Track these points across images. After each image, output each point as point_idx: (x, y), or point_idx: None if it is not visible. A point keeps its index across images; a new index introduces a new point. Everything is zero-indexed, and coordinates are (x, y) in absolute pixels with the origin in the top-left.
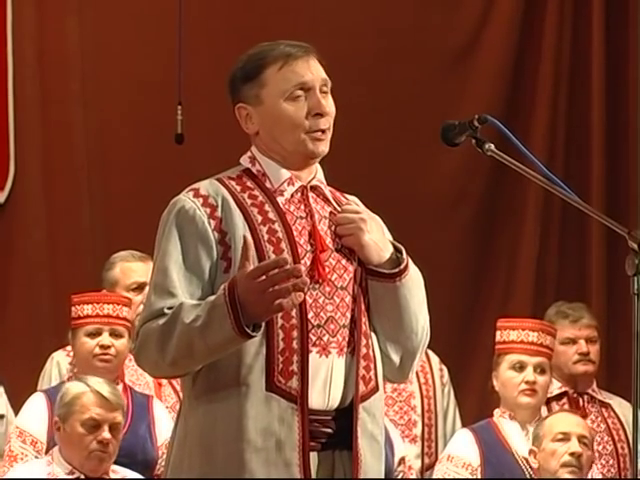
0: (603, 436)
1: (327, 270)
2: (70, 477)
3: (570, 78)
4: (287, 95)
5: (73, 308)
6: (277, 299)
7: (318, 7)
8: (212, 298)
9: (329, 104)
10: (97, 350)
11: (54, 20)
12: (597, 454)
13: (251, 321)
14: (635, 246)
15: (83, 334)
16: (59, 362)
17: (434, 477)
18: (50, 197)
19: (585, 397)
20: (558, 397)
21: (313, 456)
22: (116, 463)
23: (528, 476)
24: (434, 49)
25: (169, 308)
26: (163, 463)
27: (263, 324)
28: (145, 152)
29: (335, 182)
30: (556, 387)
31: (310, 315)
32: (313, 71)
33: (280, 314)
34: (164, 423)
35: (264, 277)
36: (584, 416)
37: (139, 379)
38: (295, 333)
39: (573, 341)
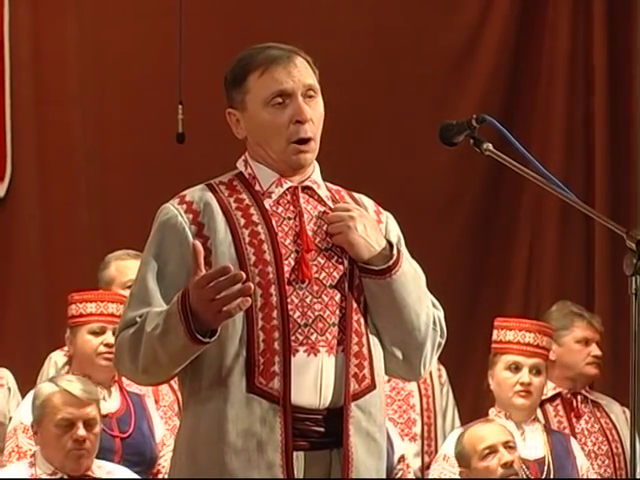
0: (598, 436)
1: (315, 269)
2: (53, 477)
3: (569, 76)
4: (267, 102)
5: (74, 306)
6: (224, 306)
7: (316, 7)
8: (168, 306)
9: (314, 109)
10: (102, 348)
11: (51, 19)
12: (592, 455)
13: (204, 328)
14: (633, 246)
15: (86, 332)
16: (57, 362)
17: (430, 477)
18: (47, 196)
19: (579, 397)
20: (551, 399)
21: (301, 455)
22: (127, 462)
23: (524, 476)
24: (432, 49)
25: (141, 317)
26: (160, 461)
27: (237, 329)
28: (145, 152)
29: (331, 181)
30: (550, 388)
31: (296, 315)
32: (294, 77)
33: (261, 315)
34: (158, 420)
35: (210, 285)
36: (578, 417)
37: None
38: (277, 334)
39: (587, 342)
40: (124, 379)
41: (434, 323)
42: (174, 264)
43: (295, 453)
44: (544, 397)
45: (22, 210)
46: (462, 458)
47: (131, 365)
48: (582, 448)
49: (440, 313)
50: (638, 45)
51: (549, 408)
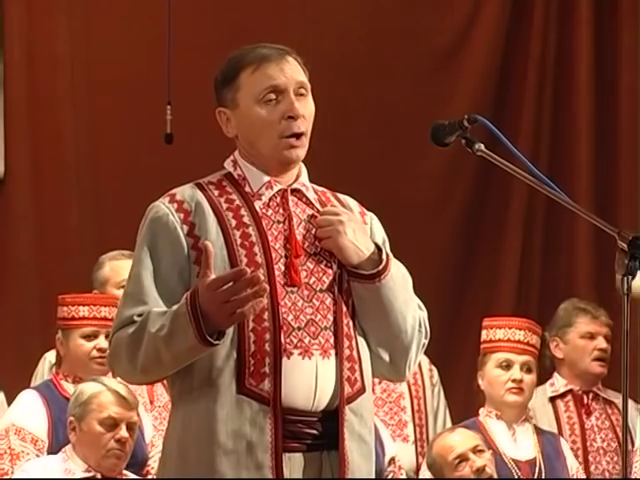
0: (607, 433)
1: (305, 274)
2: (87, 474)
3: (556, 78)
4: (259, 98)
5: (65, 308)
6: (238, 308)
7: (307, 8)
8: (175, 307)
9: (306, 107)
10: (94, 353)
11: (43, 20)
12: (601, 451)
13: (214, 329)
14: (625, 246)
15: (79, 336)
16: (51, 362)
17: (422, 477)
18: (39, 197)
19: (590, 395)
20: (563, 395)
21: (295, 457)
22: None
23: (516, 476)
24: (422, 50)
25: (139, 315)
26: (149, 462)
27: (228, 331)
28: (134, 152)
29: (321, 183)
30: (561, 384)
31: (290, 318)
32: (287, 74)
33: (252, 317)
34: (147, 421)
35: (224, 288)
36: (588, 413)
37: None
38: (267, 336)
39: (592, 336)
40: (118, 378)
41: (419, 324)
42: (167, 264)
43: (289, 455)
44: (555, 393)
45: (15, 211)
46: (435, 470)
47: (129, 365)
48: (591, 444)
49: (424, 314)
50: (623, 47)
51: (560, 404)
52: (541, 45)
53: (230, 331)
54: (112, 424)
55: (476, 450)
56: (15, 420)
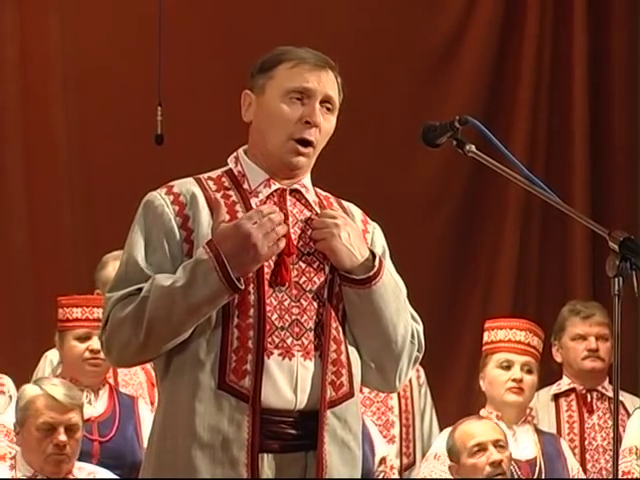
0: (609, 432)
1: (295, 273)
2: (33, 479)
3: (551, 79)
4: (286, 94)
5: (60, 310)
6: (276, 239)
7: (298, 9)
8: (189, 260)
9: (325, 121)
10: (87, 354)
11: (35, 20)
12: (601, 449)
13: (237, 273)
14: (616, 247)
15: (72, 338)
16: (52, 361)
17: (420, 477)
18: (31, 197)
19: (594, 394)
20: (566, 393)
21: (276, 457)
22: (104, 465)
23: (516, 476)
24: (415, 51)
25: (139, 290)
26: None
27: (211, 319)
28: (125, 152)
29: (315, 183)
30: (565, 383)
31: (274, 317)
32: (320, 82)
33: (237, 312)
34: (149, 423)
35: (267, 218)
36: (590, 412)
37: (132, 379)
38: (251, 333)
39: (583, 337)
40: (119, 378)
41: (412, 336)
42: (161, 254)
43: (268, 454)
44: (559, 391)
45: (7, 212)
46: (452, 453)
47: (131, 332)
48: (590, 442)
49: (419, 327)
50: (617, 47)
51: (562, 402)
52: (535, 46)
53: (213, 318)
54: (49, 429)
55: (497, 444)
56: (5, 421)
